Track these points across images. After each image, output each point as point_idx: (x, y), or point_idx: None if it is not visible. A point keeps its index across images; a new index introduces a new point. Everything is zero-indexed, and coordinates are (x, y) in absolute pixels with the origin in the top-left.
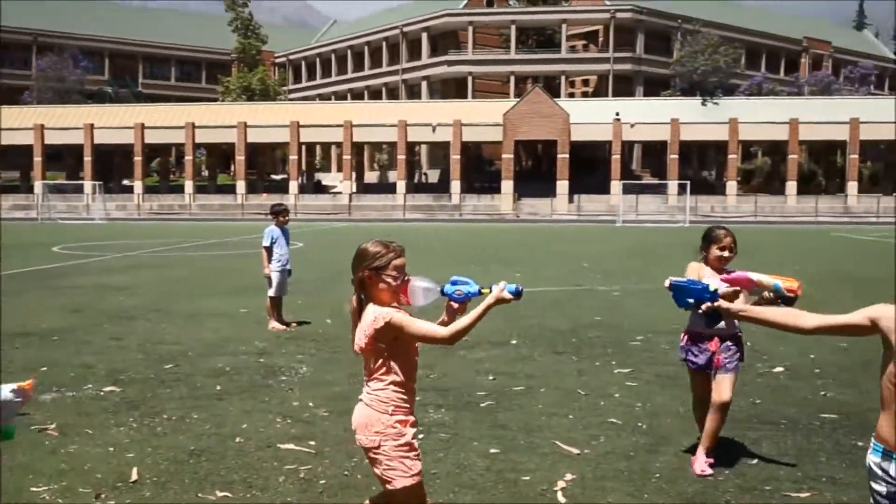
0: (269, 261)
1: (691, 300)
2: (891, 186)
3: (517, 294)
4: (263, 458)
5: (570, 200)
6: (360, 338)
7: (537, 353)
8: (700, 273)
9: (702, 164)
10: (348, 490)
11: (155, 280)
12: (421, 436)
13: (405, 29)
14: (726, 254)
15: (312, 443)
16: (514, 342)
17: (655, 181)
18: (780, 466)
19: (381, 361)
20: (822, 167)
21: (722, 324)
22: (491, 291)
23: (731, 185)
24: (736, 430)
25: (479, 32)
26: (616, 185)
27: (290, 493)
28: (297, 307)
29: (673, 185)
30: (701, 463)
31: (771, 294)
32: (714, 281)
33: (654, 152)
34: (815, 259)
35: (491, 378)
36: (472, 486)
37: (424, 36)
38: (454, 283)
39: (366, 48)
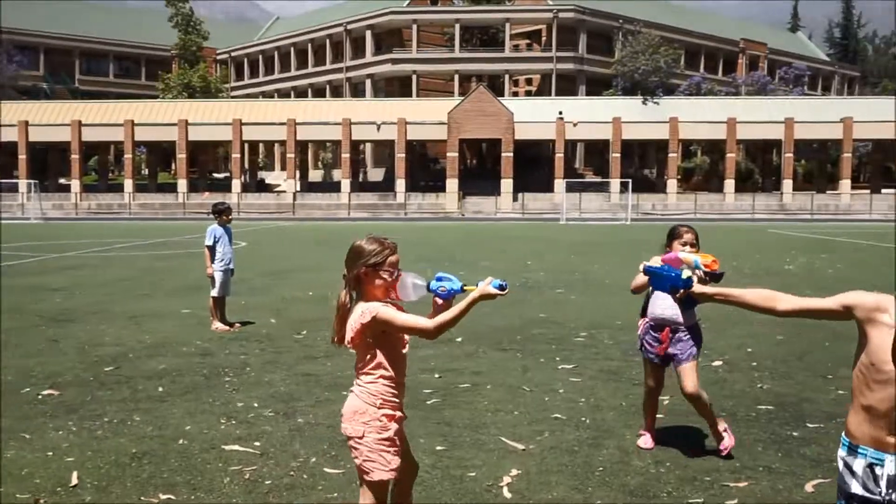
0: (212, 260)
1: (669, 285)
2: (824, 184)
3: (501, 289)
4: (207, 460)
5: (515, 199)
6: (349, 332)
7: (482, 350)
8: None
9: (643, 163)
10: (294, 490)
11: (94, 281)
12: None
13: (349, 27)
14: (687, 249)
15: (257, 443)
16: (459, 340)
17: (598, 179)
18: (720, 459)
19: (370, 356)
20: (759, 165)
21: (678, 315)
22: (477, 287)
23: (672, 183)
24: (675, 422)
25: (423, 31)
26: (560, 184)
27: (235, 494)
28: (240, 307)
29: (615, 184)
30: (727, 440)
31: (696, 271)
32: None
33: (596, 151)
34: (752, 254)
35: (437, 376)
36: (419, 483)
37: (369, 34)
38: (439, 279)
39: (309, 46)
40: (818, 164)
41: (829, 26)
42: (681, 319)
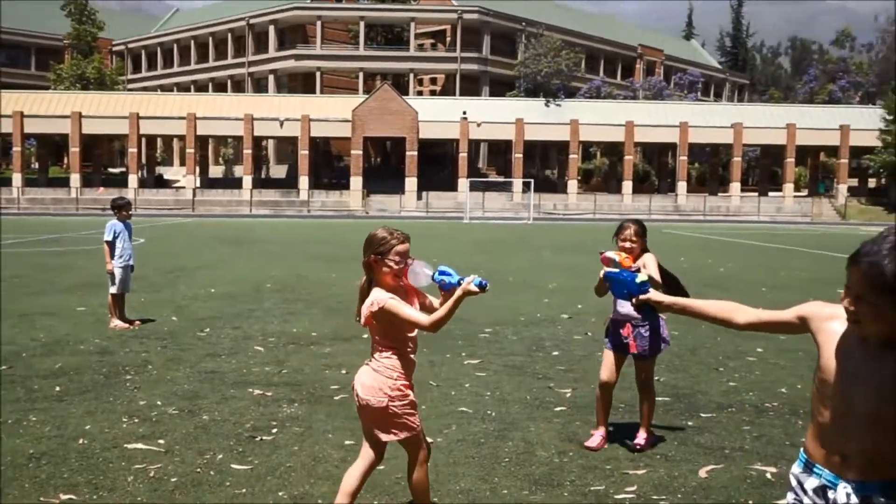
0: (112, 257)
1: (626, 291)
2: (716, 186)
3: (482, 287)
4: (110, 459)
5: (419, 197)
6: (364, 315)
7: None
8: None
9: (545, 163)
10: (201, 486)
11: None
12: (274, 431)
13: (252, 21)
14: (627, 244)
15: (161, 441)
16: (365, 336)
17: (501, 179)
18: (619, 447)
19: (383, 336)
20: (656, 168)
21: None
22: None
23: (573, 184)
24: (577, 415)
25: (327, 27)
26: (463, 183)
27: (139, 492)
28: (140, 305)
29: (518, 184)
30: (640, 438)
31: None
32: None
33: (499, 151)
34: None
35: (343, 372)
36: (328, 478)
37: (272, 29)
38: (441, 273)
39: (210, 39)
40: (711, 167)
41: (720, 35)
42: (642, 317)
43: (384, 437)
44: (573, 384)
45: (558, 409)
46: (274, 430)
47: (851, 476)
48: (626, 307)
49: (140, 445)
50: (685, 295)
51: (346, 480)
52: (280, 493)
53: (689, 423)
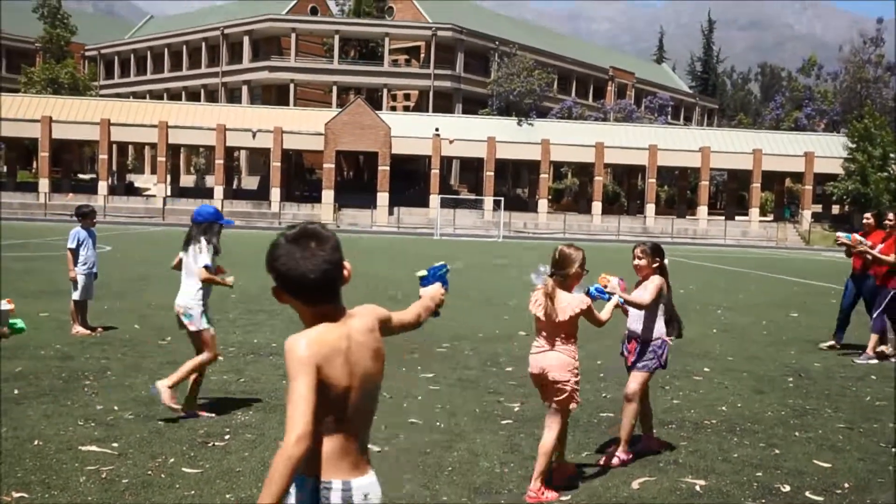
0: (75, 263)
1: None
2: (684, 209)
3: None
4: (63, 460)
5: (391, 212)
6: (566, 314)
7: None
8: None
9: (516, 182)
10: (151, 488)
11: None
12: (227, 437)
13: (226, 31)
14: (635, 261)
15: (115, 444)
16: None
17: (472, 196)
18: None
19: (572, 330)
20: (625, 189)
21: (639, 329)
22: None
23: (543, 203)
24: (523, 427)
25: (302, 40)
26: (434, 199)
27: (90, 492)
28: (103, 312)
29: (489, 201)
30: (619, 454)
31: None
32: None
33: (471, 168)
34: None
35: None
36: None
37: (246, 39)
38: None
39: (184, 47)
40: (679, 190)
41: (691, 59)
42: (640, 334)
43: (572, 405)
44: (523, 398)
45: (505, 421)
46: (227, 437)
47: None
48: (631, 324)
49: (94, 448)
50: (678, 327)
51: (544, 446)
52: (228, 496)
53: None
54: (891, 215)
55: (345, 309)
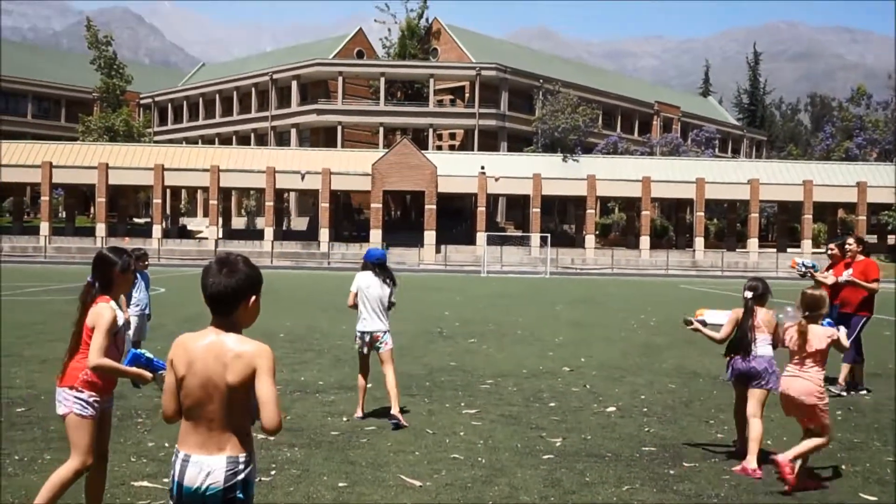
0: (128, 305)
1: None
2: (734, 242)
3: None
4: (116, 495)
5: (438, 250)
6: (822, 343)
7: None
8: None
9: (562, 218)
10: None
11: (4, 324)
12: (273, 472)
13: (275, 76)
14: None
15: (166, 480)
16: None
17: (519, 233)
18: (599, 491)
19: (824, 359)
20: (673, 223)
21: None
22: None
23: (590, 239)
24: (564, 462)
25: (348, 83)
26: (481, 237)
27: None
28: (156, 352)
29: (535, 238)
30: (751, 464)
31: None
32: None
33: (517, 205)
34: (661, 308)
35: (344, 419)
36: None
37: (294, 84)
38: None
39: (235, 93)
40: (728, 222)
41: (738, 92)
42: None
43: (825, 420)
44: (564, 434)
45: (546, 456)
46: (272, 472)
47: None
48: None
49: (146, 483)
50: (742, 351)
51: (799, 449)
52: None
53: (671, 472)
54: (850, 240)
55: (235, 326)
